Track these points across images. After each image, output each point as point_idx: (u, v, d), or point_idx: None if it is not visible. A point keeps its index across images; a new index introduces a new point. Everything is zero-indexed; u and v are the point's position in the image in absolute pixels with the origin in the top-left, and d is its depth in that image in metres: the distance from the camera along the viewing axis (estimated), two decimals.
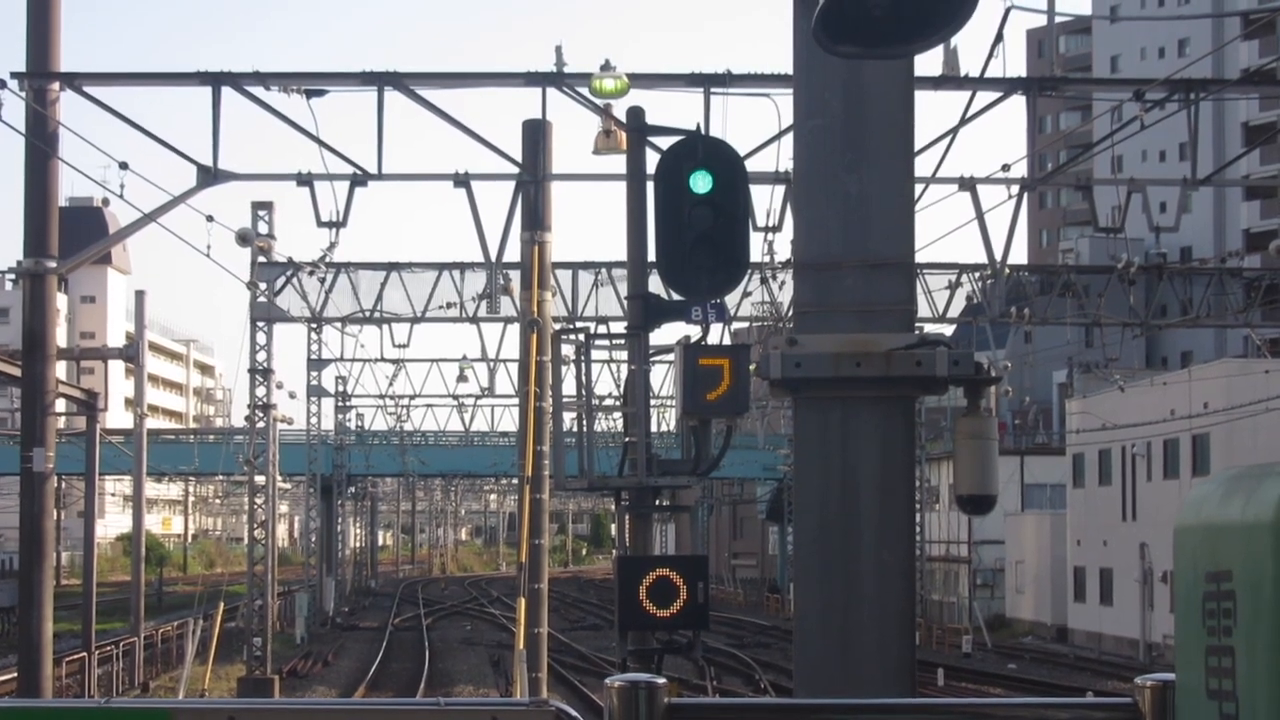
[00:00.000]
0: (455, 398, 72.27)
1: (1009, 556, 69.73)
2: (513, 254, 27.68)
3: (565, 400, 18.63)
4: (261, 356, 45.16)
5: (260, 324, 45.06)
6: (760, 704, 7.70)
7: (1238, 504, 3.87)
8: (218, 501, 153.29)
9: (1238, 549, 3.85)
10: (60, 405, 33.22)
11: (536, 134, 26.21)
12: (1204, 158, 30.38)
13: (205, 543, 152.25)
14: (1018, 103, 26.99)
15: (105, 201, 32.33)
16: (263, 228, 41.57)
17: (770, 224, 28.59)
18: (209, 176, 26.47)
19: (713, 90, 25.37)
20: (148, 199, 34.19)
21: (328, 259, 35.63)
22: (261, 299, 44.11)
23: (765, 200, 28.10)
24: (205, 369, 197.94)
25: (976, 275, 42.35)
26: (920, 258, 14.60)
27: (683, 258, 11.89)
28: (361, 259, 45.43)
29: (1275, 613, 3.73)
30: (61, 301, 34.88)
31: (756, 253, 29.99)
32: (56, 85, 26.09)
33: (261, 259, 41.99)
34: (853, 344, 8.03)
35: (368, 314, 45.94)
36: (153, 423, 78.29)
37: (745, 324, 48.82)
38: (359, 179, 26.77)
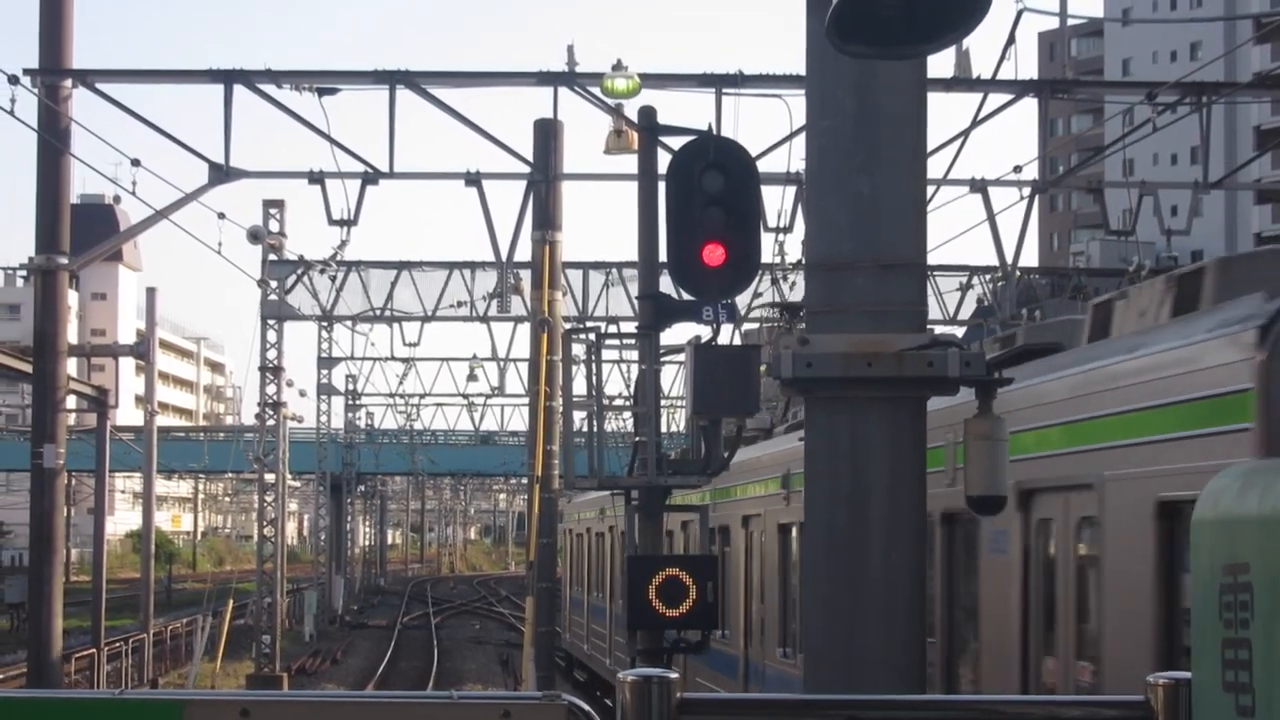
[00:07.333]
0: (465, 397, 72.34)
1: None
2: (524, 253, 27.71)
3: (575, 400, 18.65)
4: (272, 354, 45.19)
5: (271, 322, 45.07)
6: (770, 700, 7.71)
7: (1255, 497, 3.88)
8: (227, 499, 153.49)
9: (1255, 542, 3.86)
10: (71, 402, 33.28)
11: (548, 133, 26.23)
12: (1215, 161, 30.33)
13: (214, 540, 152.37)
14: (1029, 105, 27.00)
15: (117, 198, 32.63)
16: (274, 225, 41.61)
17: (781, 225, 28.59)
18: (220, 174, 26.51)
19: (725, 91, 25.38)
20: (159, 196, 34.28)
21: (339, 257, 35.73)
22: (272, 297, 44.13)
23: (776, 201, 28.09)
24: (216, 366, 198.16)
25: (987, 277, 42.33)
26: (931, 259, 14.60)
27: (694, 258, 11.91)
28: (372, 257, 45.59)
29: None
30: (72, 298, 34.90)
31: (767, 253, 30.00)
32: (69, 82, 26.14)
33: (273, 257, 42.03)
34: (864, 344, 8.04)
35: (378, 312, 46.00)
36: (163, 420, 78.39)
37: (755, 324, 48.82)
38: (370, 177, 26.80)
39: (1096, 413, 10.53)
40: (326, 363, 61.94)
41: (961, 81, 25.52)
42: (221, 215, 32.17)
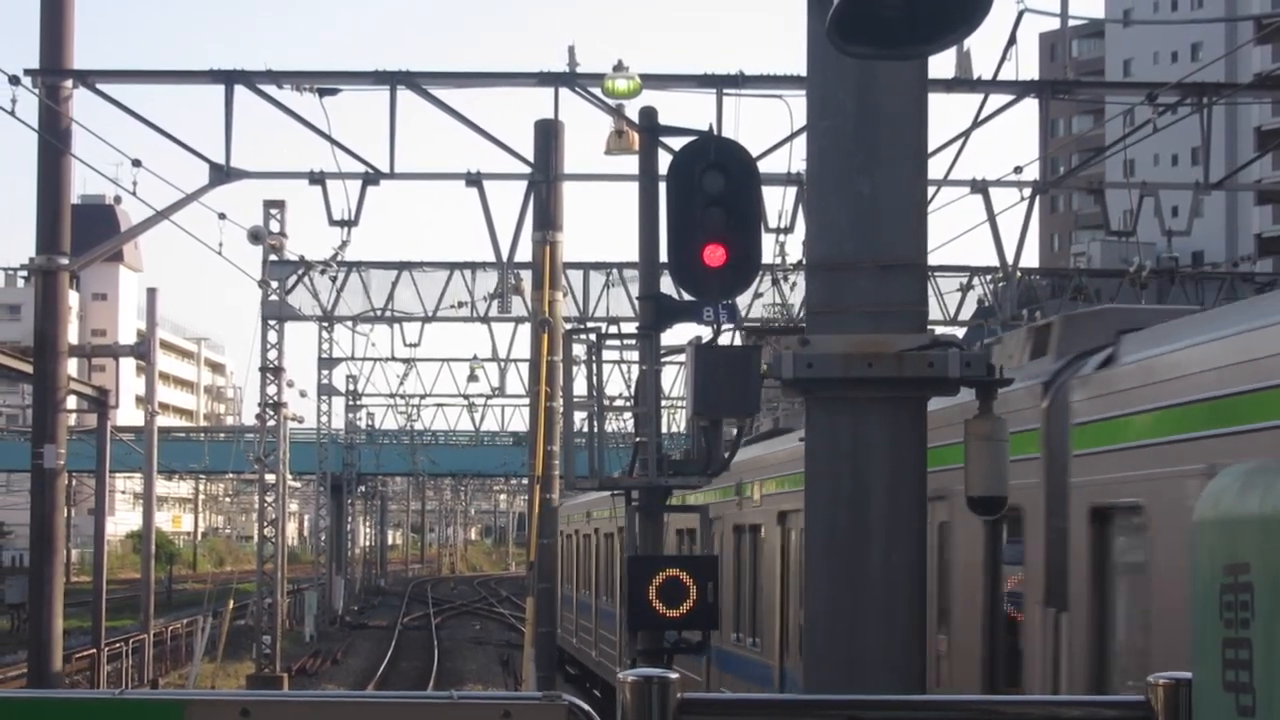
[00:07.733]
0: (466, 397, 72.32)
1: None
2: (524, 254, 27.70)
3: (576, 400, 18.64)
4: (272, 355, 45.19)
5: (271, 322, 45.07)
6: (771, 700, 7.72)
7: (1256, 496, 3.89)
8: (228, 500, 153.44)
9: (1255, 542, 3.86)
10: (71, 402, 33.29)
11: (549, 134, 26.22)
12: (1216, 162, 30.32)
13: (215, 540, 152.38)
14: (1030, 106, 27.00)
15: (117, 199, 32.61)
16: (275, 226, 41.60)
17: (782, 225, 28.59)
18: (221, 174, 26.50)
19: (725, 91, 25.37)
20: (160, 196, 34.30)
21: (339, 258, 35.71)
22: (273, 297, 44.12)
23: (777, 201, 28.10)
24: (216, 367, 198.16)
25: (988, 278, 42.34)
26: (932, 260, 14.64)
27: (694, 258, 11.91)
28: (373, 258, 45.49)
29: None
30: (73, 299, 34.83)
31: (768, 254, 30.00)
32: (69, 82, 26.14)
33: (273, 257, 42.02)
34: (864, 345, 8.04)
35: (379, 313, 45.99)
36: (164, 420, 78.37)
37: (756, 325, 48.80)
38: (371, 178, 26.80)
39: (952, 440, 12.15)
40: (327, 363, 61.92)
41: (962, 82, 25.51)
42: (222, 216, 32.18)
